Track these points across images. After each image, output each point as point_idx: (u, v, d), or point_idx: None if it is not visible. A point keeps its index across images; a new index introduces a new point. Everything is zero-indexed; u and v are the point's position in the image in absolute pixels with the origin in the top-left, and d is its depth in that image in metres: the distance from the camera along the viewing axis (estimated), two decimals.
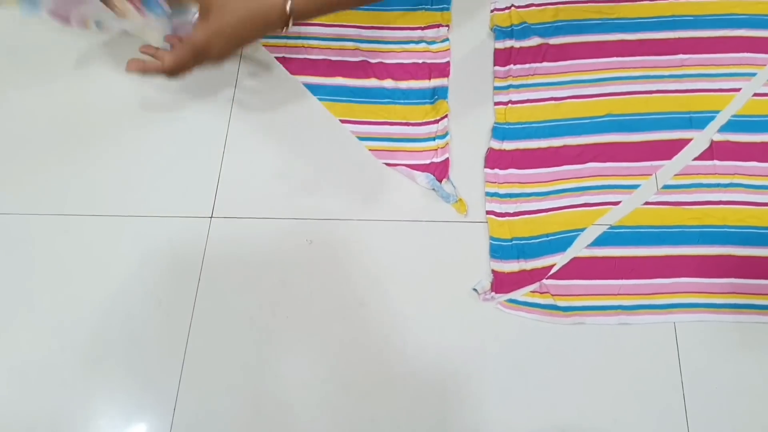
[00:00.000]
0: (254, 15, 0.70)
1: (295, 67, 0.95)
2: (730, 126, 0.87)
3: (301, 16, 0.71)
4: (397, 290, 0.81)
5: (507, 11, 0.96)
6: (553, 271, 0.80)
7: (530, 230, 0.82)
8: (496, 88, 0.91)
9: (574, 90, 0.90)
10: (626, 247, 0.81)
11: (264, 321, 0.80)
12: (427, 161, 0.87)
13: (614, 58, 0.92)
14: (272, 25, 0.71)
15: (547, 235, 0.82)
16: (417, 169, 0.87)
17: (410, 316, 0.79)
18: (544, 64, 0.92)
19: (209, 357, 0.78)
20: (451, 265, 0.82)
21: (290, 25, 0.71)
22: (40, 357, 0.79)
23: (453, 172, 0.87)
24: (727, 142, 0.86)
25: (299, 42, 0.97)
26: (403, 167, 0.87)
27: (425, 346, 0.78)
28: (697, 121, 0.87)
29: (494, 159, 0.86)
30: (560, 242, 0.82)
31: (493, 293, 0.79)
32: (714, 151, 0.85)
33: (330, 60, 0.95)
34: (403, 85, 0.92)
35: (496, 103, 0.90)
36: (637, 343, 0.77)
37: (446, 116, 0.89)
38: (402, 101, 0.91)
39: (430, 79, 0.92)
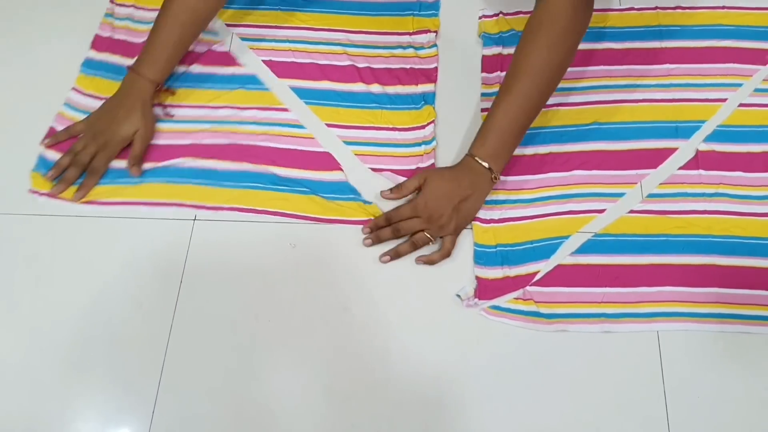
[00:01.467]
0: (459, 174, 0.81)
1: (281, 70, 0.95)
2: (716, 136, 0.87)
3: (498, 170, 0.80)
4: (380, 295, 0.80)
5: (495, 18, 0.97)
6: (537, 278, 0.80)
7: (515, 237, 0.82)
8: (483, 94, 0.92)
9: (560, 98, 0.90)
10: (610, 255, 0.81)
11: (246, 325, 0.79)
12: (413, 167, 0.87)
13: (601, 67, 0.92)
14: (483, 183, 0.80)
15: (531, 242, 0.82)
16: (402, 175, 0.86)
17: (393, 322, 0.79)
18: None
19: (189, 360, 0.78)
20: (435, 271, 0.82)
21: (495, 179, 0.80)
22: (18, 358, 0.78)
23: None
24: (713, 151, 0.86)
25: (286, 45, 0.97)
26: (389, 173, 0.86)
27: (408, 351, 0.77)
28: (683, 130, 0.88)
29: None
30: (544, 249, 0.82)
31: (476, 299, 0.78)
32: (699, 161, 0.86)
33: (317, 64, 0.95)
34: (391, 90, 0.92)
35: (483, 110, 0.90)
36: (620, 352, 0.76)
37: (433, 122, 0.89)
38: (389, 106, 0.91)
39: (417, 84, 0.92)
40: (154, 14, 0.92)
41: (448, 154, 0.88)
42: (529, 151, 0.87)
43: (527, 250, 0.82)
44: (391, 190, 0.83)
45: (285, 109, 0.91)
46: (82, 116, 0.90)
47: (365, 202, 0.85)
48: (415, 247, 0.81)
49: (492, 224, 0.83)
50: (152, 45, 0.86)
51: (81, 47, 0.99)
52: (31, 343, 0.79)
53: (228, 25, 0.99)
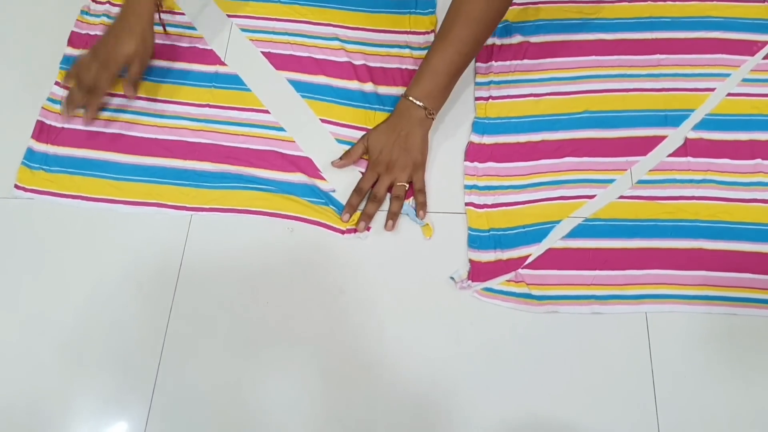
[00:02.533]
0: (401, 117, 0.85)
1: (279, 62, 0.96)
2: (704, 124, 0.89)
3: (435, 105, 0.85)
4: (375, 278, 0.82)
5: None
6: (528, 261, 0.82)
7: (507, 221, 0.84)
8: (477, 83, 0.93)
9: (553, 87, 0.92)
10: (600, 239, 0.83)
11: (244, 306, 0.81)
12: None
13: (593, 57, 0.94)
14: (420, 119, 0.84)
15: (523, 227, 0.84)
16: None
17: (388, 304, 0.81)
18: (525, 61, 0.94)
19: (189, 340, 0.79)
20: (429, 255, 0.83)
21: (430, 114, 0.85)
22: (18, 341, 0.80)
23: (434, 164, 0.88)
24: (701, 139, 0.88)
25: (285, 38, 0.98)
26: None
27: (402, 333, 0.79)
28: (672, 119, 0.90)
29: (474, 152, 0.88)
30: (536, 233, 0.83)
31: (469, 282, 0.80)
32: (688, 148, 0.87)
33: (314, 58, 0.96)
34: (381, 90, 0.93)
35: (477, 98, 0.92)
36: (609, 332, 0.78)
37: None
38: (378, 107, 0.91)
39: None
40: None
41: (443, 142, 0.90)
42: (522, 138, 0.89)
43: (519, 234, 0.84)
44: (340, 158, 0.87)
45: (265, 111, 0.92)
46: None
47: (341, 207, 0.85)
48: (400, 199, 0.84)
49: (485, 209, 0.85)
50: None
51: (60, 43, 0.99)
52: (32, 326, 0.81)
53: (228, 16, 1.00)
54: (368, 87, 0.93)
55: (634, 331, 0.78)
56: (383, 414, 0.75)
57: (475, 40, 0.83)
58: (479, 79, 0.93)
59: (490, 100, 0.91)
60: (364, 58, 0.95)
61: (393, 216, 0.83)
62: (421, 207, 0.84)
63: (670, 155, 0.88)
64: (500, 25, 0.96)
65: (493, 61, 0.94)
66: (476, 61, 0.95)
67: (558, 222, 0.84)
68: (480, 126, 0.90)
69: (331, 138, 0.90)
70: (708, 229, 0.83)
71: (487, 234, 0.83)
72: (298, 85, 0.94)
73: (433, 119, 0.85)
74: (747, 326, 0.78)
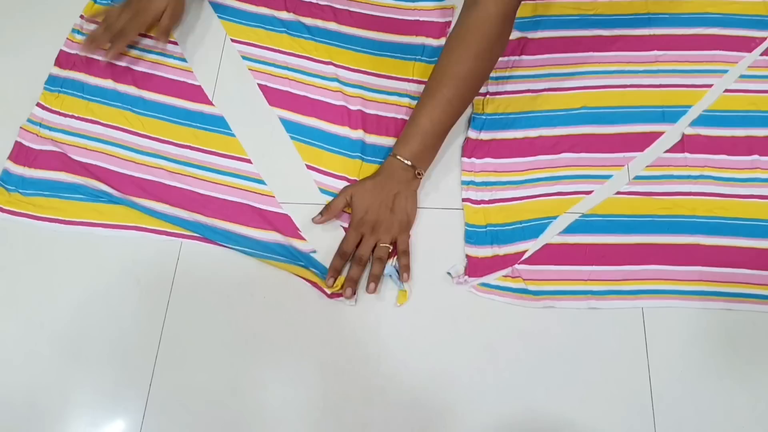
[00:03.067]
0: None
1: (274, 97, 0.93)
2: (702, 120, 0.89)
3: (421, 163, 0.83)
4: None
5: None
6: (525, 256, 0.82)
7: (504, 217, 0.84)
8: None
9: (550, 83, 0.92)
10: (597, 235, 0.83)
11: (241, 304, 0.81)
12: None
13: (590, 53, 0.95)
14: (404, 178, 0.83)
15: (520, 222, 0.84)
16: None
17: (385, 299, 0.81)
18: (523, 57, 0.94)
19: (185, 336, 0.80)
20: (427, 250, 0.84)
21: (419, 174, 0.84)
22: (18, 343, 0.80)
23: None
24: (698, 135, 0.88)
25: (284, 72, 0.95)
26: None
27: (399, 328, 0.79)
28: (670, 115, 0.90)
29: (471, 148, 0.88)
30: (533, 229, 0.84)
31: (466, 277, 0.80)
32: (685, 144, 0.88)
33: (309, 98, 0.93)
34: (369, 139, 0.90)
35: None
36: (605, 327, 0.78)
37: None
38: (369, 158, 0.89)
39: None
40: None
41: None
42: (520, 134, 0.89)
43: (516, 229, 0.84)
44: (320, 213, 0.83)
45: (247, 160, 0.89)
46: (47, 132, 0.91)
47: (324, 270, 0.82)
48: (382, 261, 0.80)
49: (482, 205, 0.85)
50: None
51: (43, 63, 0.97)
52: (31, 324, 0.81)
53: (233, 40, 0.98)
54: (357, 134, 0.89)
55: (631, 327, 0.79)
56: (380, 409, 0.75)
57: (462, 100, 0.82)
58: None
59: (488, 96, 0.91)
60: (362, 104, 0.92)
61: (375, 278, 0.79)
62: (404, 270, 0.80)
63: (667, 151, 0.88)
64: None
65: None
66: None
67: (555, 218, 0.84)
68: (478, 122, 0.90)
69: (315, 188, 0.87)
70: (705, 224, 0.83)
71: (484, 230, 0.83)
72: (288, 125, 0.91)
73: (421, 179, 0.84)
74: (743, 321, 0.78)
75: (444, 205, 0.86)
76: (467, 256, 0.82)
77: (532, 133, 0.89)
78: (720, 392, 0.75)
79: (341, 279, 0.80)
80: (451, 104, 0.81)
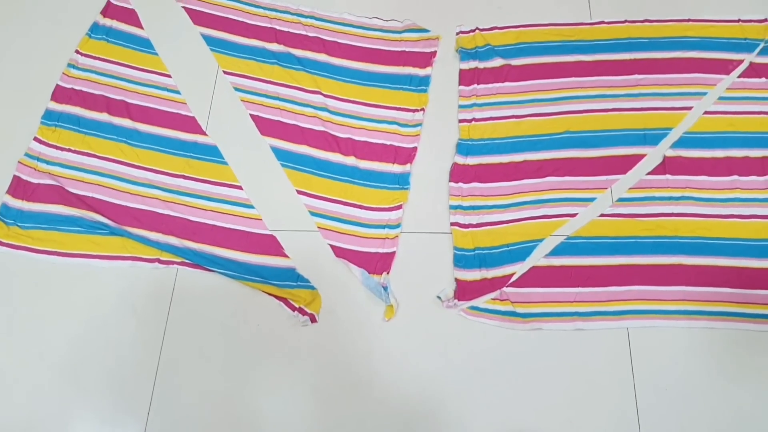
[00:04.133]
0: None
1: (265, 127, 0.96)
2: (682, 142, 0.91)
3: None
4: (363, 298, 0.84)
5: (472, 34, 1.01)
6: (512, 279, 0.84)
7: (492, 240, 0.86)
8: (461, 106, 0.96)
9: (534, 108, 0.95)
10: (582, 257, 0.85)
11: (236, 331, 0.83)
12: (373, 250, 0.87)
13: (573, 78, 0.97)
14: None
15: (507, 245, 0.86)
16: (361, 257, 0.87)
17: (376, 323, 0.82)
18: (507, 84, 0.97)
19: (182, 362, 0.82)
20: (416, 275, 0.85)
21: None
22: (17, 366, 0.82)
23: (419, 185, 0.91)
24: (679, 157, 0.90)
25: (275, 102, 0.97)
26: (345, 260, 0.87)
27: (390, 351, 0.81)
28: (651, 137, 0.92)
29: (459, 173, 0.91)
30: (520, 252, 0.86)
31: (455, 300, 0.82)
32: (666, 166, 0.90)
33: (300, 126, 0.95)
34: (364, 165, 0.92)
35: (461, 121, 0.94)
36: (592, 348, 0.80)
37: (401, 206, 0.90)
38: (360, 182, 0.91)
39: (394, 162, 0.92)
40: (119, 68, 0.98)
41: (429, 163, 0.92)
42: (505, 159, 0.91)
43: (503, 252, 0.86)
44: None
45: (238, 187, 0.91)
46: (44, 165, 0.92)
47: (312, 288, 0.85)
48: None
49: (470, 228, 0.87)
50: None
51: (40, 98, 0.98)
52: (31, 352, 0.82)
53: (225, 72, 1.00)
54: (350, 161, 0.92)
55: (617, 347, 0.80)
56: (371, 429, 0.77)
57: None
58: (462, 102, 0.95)
59: (473, 122, 0.93)
60: (350, 132, 0.94)
61: None
62: None
63: (649, 173, 0.90)
64: (482, 49, 0.99)
65: (476, 84, 0.96)
66: (459, 84, 0.97)
67: (541, 240, 0.86)
68: (464, 147, 0.92)
69: (304, 212, 0.90)
70: (687, 245, 0.85)
71: (473, 253, 0.85)
72: (279, 153, 0.94)
73: None
74: (726, 339, 0.80)
75: (432, 229, 0.88)
76: (456, 280, 0.84)
77: (517, 157, 0.91)
78: (705, 410, 0.77)
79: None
80: None
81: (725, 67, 0.97)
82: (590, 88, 0.96)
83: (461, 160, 0.92)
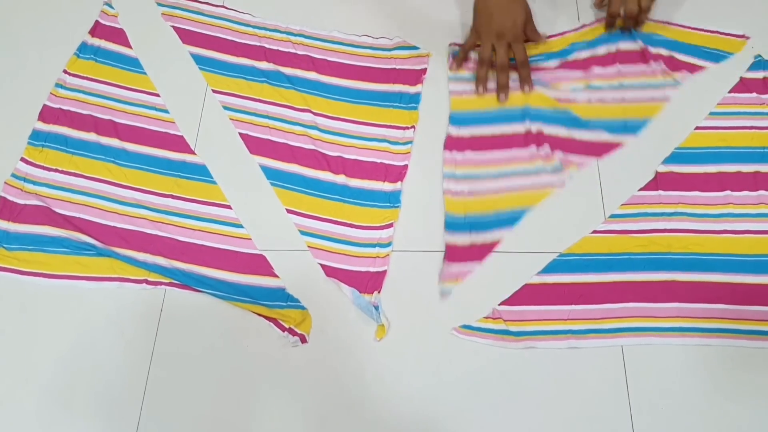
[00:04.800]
0: None
1: (254, 146, 0.95)
2: (674, 158, 0.91)
3: None
4: (354, 317, 0.83)
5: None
6: (505, 297, 0.83)
7: (482, 207, 0.88)
8: (450, 78, 0.99)
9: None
10: (575, 274, 0.84)
11: (225, 352, 0.82)
12: (363, 269, 0.86)
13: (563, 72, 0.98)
14: None
15: (496, 212, 0.88)
16: (352, 276, 0.86)
17: (368, 342, 0.81)
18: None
19: (170, 387, 0.81)
20: (408, 293, 0.85)
21: None
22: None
23: (410, 203, 0.90)
24: (671, 173, 0.90)
25: (264, 121, 0.96)
26: (335, 279, 0.86)
27: (382, 371, 0.80)
28: (632, 126, 0.94)
29: (452, 143, 0.93)
30: (509, 218, 0.88)
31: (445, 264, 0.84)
32: (659, 182, 0.89)
33: (289, 145, 0.94)
34: (354, 183, 0.91)
35: (451, 92, 0.97)
36: (586, 366, 0.79)
37: (392, 224, 0.89)
38: (350, 200, 0.90)
39: (384, 181, 0.92)
40: (107, 88, 0.98)
41: (417, 193, 0.92)
42: (497, 130, 0.94)
43: (492, 218, 0.88)
44: (453, 60, 0.97)
45: (227, 206, 0.90)
46: (31, 186, 0.92)
47: (302, 308, 0.84)
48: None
49: (462, 196, 0.89)
50: None
51: (27, 118, 0.97)
52: (15, 382, 0.82)
53: (214, 91, 1.00)
54: (340, 179, 0.91)
55: (611, 365, 0.79)
56: None
57: None
58: (452, 74, 0.99)
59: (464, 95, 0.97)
60: (341, 150, 0.94)
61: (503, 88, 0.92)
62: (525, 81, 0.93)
63: (641, 189, 0.89)
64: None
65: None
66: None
67: (530, 207, 0.89)
68: (456, 119, 0.95)
69: (295, 232, 0.89)
70: (680, 261, 0.85)
71: (463, 219, 0.87)
72: (269, 172, 0.93)
73: None
74: (721, 356, 0.79)
75: (424, 247, 0.87)
76: (446, 244, 0.86)
77: (509, 129, 0.94)
78: (701, 428, 0.76)
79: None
80: None
81: (691, 69, 0.98)
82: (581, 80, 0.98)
83: (455, 131, 0.94)
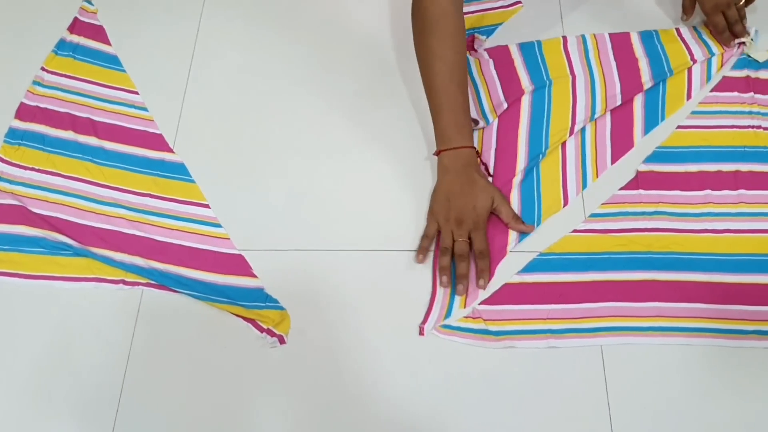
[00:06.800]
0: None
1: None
2: (655, 157, 0.91)
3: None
4: (333, 319, 0.83)
5: None
6: (485, 297, 0.83)
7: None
8: None
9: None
10: (555, 273, 0.84)
11: (202, 353, 0.81)
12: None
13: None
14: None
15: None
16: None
17: (346, 343, 0.81)
18: None
19: (146, 390, 0.80)
20: (386, 296, 0.84)
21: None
22: None
23: (387, 199, 0.90)
24: (652, 172, 0.90)
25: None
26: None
27: (361, 372, 0.79)
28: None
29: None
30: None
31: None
32: (639, 181, 0.89)
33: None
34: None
35: None
36: (565, 366, 0.79)
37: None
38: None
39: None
40: (85, 85, 0.97)
41: (391, 190, 0.91)
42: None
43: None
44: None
45: (206, 205, 0.90)
46: (7, 185, 0.91)
47: (281, 308, 0.83)
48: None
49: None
50: (450, 113, 0.86)
51: (3, 116, 0.97)
52: None
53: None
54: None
55: (591, 365, 0.79)
56: None
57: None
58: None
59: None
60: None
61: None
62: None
63: (622, 188, 0.89)
64: None
65: None
66: None
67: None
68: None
69: (273, 228, 0.89)
70: (660, 260, 0.84)
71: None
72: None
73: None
74: (701, 356, 0.79)
75: (404, 247, 0.87)
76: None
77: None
78: (680, 428, 0.75)
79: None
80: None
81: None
82: None
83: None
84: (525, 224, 0.86)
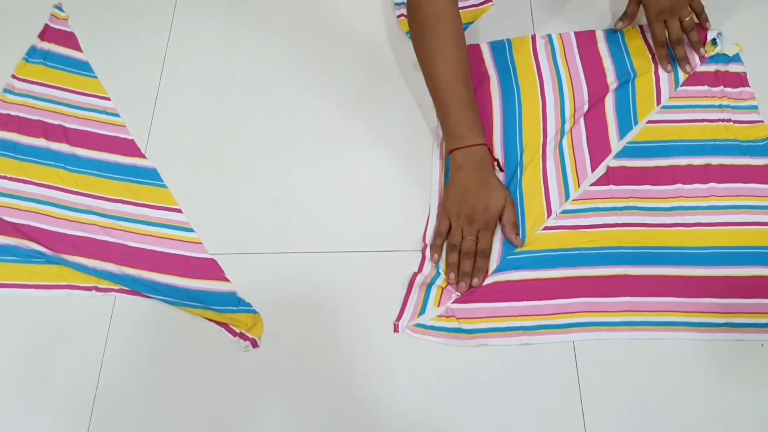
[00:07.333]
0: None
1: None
2: (626, 152, 0.91)
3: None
4: (308, 320, 0.83)
5: None
6: (457, 296, 0.83)
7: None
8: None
9: None
10: (527, 271, 0.84)
11: (175, 359, 0.82)
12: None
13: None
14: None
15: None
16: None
17: (321, 345, 0.81)
18: None
19: (120, 397, 0.80)
20: (361, 296, 0.85)
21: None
22: None
23: (371, 200, 0.90)
24: (623, 167, 0.90)
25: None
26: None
27: (335, 372, 0.80)
28: None
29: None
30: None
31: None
32: (610, 177, 0.90)
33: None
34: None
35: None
36: (538, 362, 0.79)
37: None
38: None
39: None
40: (56, 92, 0.96)
41: (380, 189, 0.91)
42: None
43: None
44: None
45: (178, 210, 0.90)
46: None
47: (254, 312, 0.83)
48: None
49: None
50: (459, 111, 0.85)
51: None
52: None
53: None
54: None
55: (563, 361, 0.80)
56: None
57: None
58: None
59: None
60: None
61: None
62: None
63: (592, 184, 0.90)
64: None
65: None
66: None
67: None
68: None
69: (246, 232, 0.89)
70: (632, 255, 0.85)
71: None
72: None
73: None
74: (672, 350, 0.80)
75: (377, 248, 0.88)
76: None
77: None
78: (652, 422, 0.76)
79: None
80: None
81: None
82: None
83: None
84: (518, 236, 0.86)
